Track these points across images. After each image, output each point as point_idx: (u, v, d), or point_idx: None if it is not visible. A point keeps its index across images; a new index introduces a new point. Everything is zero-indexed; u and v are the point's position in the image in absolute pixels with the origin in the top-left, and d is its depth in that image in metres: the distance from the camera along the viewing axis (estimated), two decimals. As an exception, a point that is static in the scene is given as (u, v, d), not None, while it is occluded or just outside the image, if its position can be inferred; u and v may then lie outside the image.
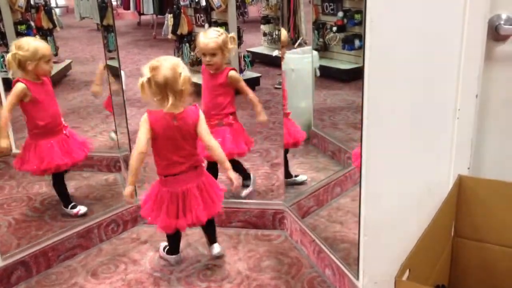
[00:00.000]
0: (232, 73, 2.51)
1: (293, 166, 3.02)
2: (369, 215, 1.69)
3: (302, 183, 2.83)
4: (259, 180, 2.90)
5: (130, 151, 2.50)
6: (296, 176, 2.84)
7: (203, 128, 2.03)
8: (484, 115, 1.63)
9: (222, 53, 2.45)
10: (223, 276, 2.19)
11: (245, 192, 2.73)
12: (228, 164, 2.09)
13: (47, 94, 2.47)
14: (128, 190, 2.02)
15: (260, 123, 2.67)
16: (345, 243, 2.28)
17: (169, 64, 1.90)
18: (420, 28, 1.49)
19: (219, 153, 2.08)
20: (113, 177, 3.04)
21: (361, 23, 1.58)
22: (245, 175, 2.77)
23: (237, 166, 2.61)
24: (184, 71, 1.91)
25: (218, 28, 2.82)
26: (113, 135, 3.11)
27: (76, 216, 2.58)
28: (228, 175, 2.08)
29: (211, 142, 2.06)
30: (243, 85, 2.56)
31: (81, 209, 2.61)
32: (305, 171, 2.97)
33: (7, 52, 3.95)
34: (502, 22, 1.53)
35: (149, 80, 1.88)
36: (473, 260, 1.59)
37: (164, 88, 1.89)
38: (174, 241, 2.26)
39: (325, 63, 3.67)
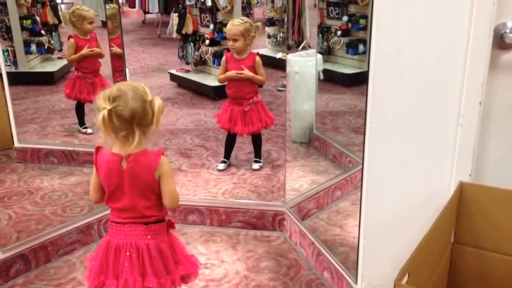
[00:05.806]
0: (258, 58, 2.88)
1: (294, 168, 3.03)
2: (369, 219, 1.69)
3: None
4: (260, 181, 2.91)
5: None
6: None
7: (165, 179, 1.58)
8: (488, 122, 1.64)
9: (244, 39, 2.81)
10: (221, 276, 2.19)
11: (257, 165, 3.04)
12: None
13: None
14: None
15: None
16: (344, 246, 2.29)
17: (135, 90, 1.49)
18: (425, 34, 1.50)
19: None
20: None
21: (366, 28, 1.59)
22: (259, 155, 3.08)
23: (259, 144, 3.05)
24: (156, 98, 1.51)
25: (244, 17, 3.33)
26: None
27: None
28: None
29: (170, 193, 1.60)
30: (262, 72, 2.90)
31: None
32: (305, 173, 2.97)
33: (12, 46, 3.98)
34: (507, 31, 1.53)
35: (110, 112, 1.46)
36: (472, 267, 1.59)
37: (130, 123, 1.48)
38: None
39: (329, 67, 3.67)
